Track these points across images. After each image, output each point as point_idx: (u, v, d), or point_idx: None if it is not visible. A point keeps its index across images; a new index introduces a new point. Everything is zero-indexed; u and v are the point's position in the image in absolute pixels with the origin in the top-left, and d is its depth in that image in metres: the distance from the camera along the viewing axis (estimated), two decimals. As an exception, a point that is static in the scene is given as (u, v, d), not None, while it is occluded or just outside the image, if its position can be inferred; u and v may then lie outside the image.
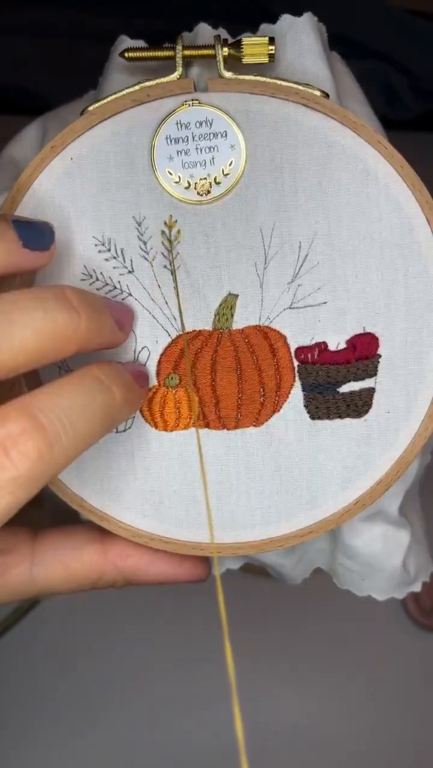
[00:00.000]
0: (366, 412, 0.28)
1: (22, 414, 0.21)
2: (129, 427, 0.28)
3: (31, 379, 0.27)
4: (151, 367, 0.28)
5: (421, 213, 0.27)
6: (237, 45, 0.27)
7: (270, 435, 0.28)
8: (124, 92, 0.26)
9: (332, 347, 0.28)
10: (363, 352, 0.28)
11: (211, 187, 0.27)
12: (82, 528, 0.29)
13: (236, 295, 0.28)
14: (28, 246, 0.23)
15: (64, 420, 0.21)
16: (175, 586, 0.31)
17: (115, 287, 0.28)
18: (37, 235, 0.24)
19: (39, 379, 0.28)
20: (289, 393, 0.28)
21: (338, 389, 0.28)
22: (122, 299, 0.28)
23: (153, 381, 0.28)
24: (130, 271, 0.28)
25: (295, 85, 0.26)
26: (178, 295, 0.28)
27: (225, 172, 0.27)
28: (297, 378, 0.28)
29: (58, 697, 0.62)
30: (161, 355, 0.28)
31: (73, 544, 0.28)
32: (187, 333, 0.28)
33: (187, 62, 0.28)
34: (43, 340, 0.21)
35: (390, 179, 0.27)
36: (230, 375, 0.28)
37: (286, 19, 0.29)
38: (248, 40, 0.27)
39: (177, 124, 0.27)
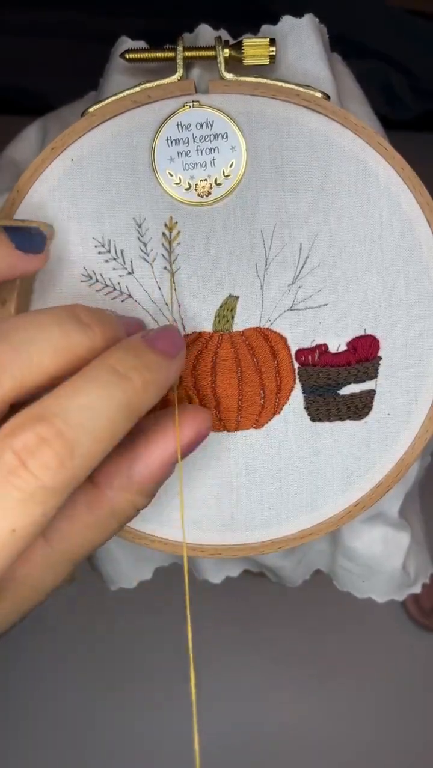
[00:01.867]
0: (366, 414, 0.28)
1: (36, 421, 0.20)
2: (129, 429, 0.28)
3: None
4: None
5: (422, 215, 0.27)
6: (238, 46, 0.27)
7: (270, 437, 0.28)
8: (125, 93, 0.26)
9: (332, 349, 0.28)
10: (364, 354, 0.28)
11: (211, 188, 0.27)
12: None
13: (237, 297, 0.28)
14: (21, 250, 0.24)
15: (82, 421, 0.20)
16: (174, 589, 0.31)
17: (114, 288, 0.28)
18: (29, 239, 0.24)
19: None
20: (289, 395, 0.28)
21: (338, 391, 0.28)
22: (122, 301, 0.28)
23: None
24: (130, 273, 0.27)
25: (296, 87, 0.26)
26: (173, 296, 0.27)
27: (226, 174, 0.27)
28: (297, 380, 0.28)
29: (58, 697, 0.62)
30: (162, 356, 0.28)
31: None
32: (188, 335, 0.28)
33: (188, 63, 0.28)
34: (60, 358, 0.21)
35: (391, 181, 0.27)
36: (231, 377, 0.28)
37: (287, 20, 0.29)
38: (248, 41, 0.27)
39: (178, 125, 0.27)
